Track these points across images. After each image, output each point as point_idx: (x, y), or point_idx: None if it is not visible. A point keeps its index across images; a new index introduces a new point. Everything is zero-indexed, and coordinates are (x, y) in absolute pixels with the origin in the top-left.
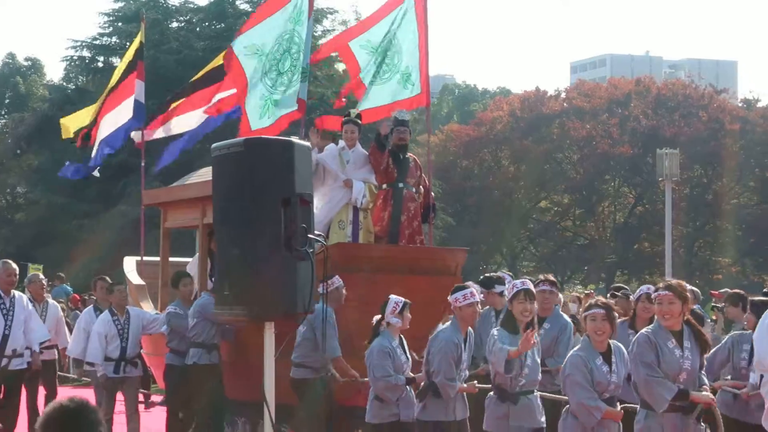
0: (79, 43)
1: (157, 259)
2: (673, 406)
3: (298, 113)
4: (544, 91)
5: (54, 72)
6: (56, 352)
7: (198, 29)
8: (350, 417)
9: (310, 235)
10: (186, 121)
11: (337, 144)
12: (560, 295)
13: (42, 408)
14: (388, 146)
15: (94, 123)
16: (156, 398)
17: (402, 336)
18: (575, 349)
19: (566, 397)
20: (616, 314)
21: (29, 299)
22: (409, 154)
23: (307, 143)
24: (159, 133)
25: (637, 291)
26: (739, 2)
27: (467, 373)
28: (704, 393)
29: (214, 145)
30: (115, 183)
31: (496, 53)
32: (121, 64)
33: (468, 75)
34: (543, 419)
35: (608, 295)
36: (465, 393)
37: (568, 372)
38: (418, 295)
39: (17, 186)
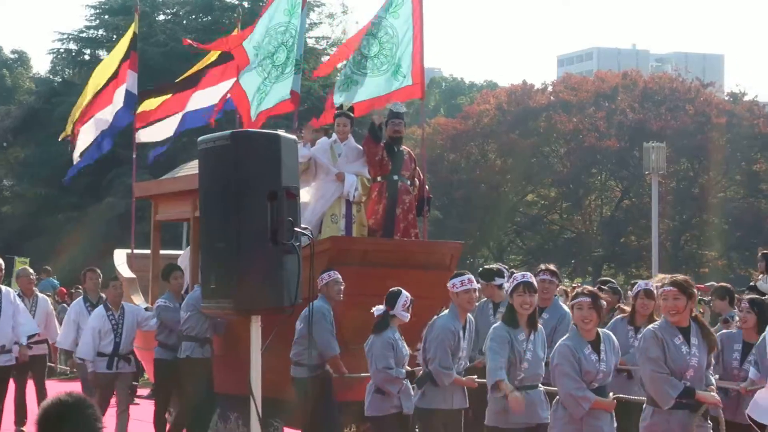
0: (65, 36)
1: (148, 251)
2: (679, 404)
3: (291, 105)
4: (530, 84)
5: (40, 65)
6: (47, 347)
7: (185, 22)
8: (344, 412)
9: (296, 229)
10: (176, 120)
11: (329, 137)
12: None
13: (29, 403)
14: (383, 137)
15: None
16: (143, 391)
17: (399, 329)
18: (563, 338)
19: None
20: (603, 302)
21: (19, 294)
22: (403, 147)
23: (293, 136)
24: (152, 135)
25: (636, 287)
26: None
27: (467, 362)
28: (710, 393)
29: (200, 138)
30: (103, 175)
31: (483, 46)
32: (111, 57)
33: (455, 68)
34: (546, 414)
35: (596, 288)
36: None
37: (556, 362)
38: (413, 289)
39: (3, 179)
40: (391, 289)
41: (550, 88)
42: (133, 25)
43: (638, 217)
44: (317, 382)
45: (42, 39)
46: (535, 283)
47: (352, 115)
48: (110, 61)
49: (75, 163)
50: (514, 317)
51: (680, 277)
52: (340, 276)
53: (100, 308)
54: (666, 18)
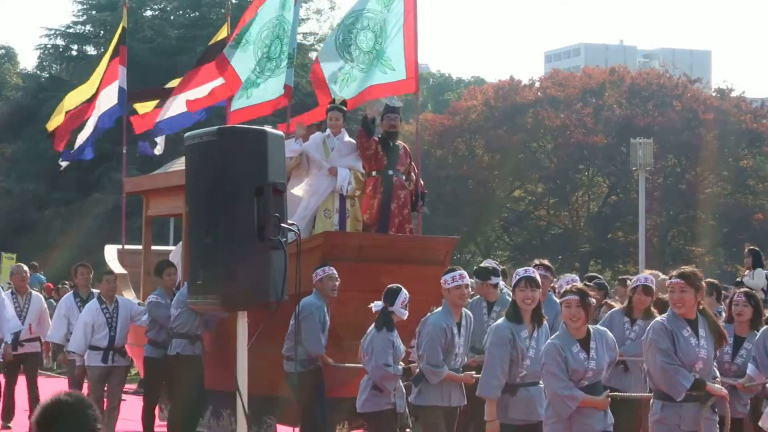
0: (53, 32)
1: (139, 247)
2: (690, 396)
3: (284, 99)
4: (518, 80)
5: (28, 60)
6: (39, 345)
7: (172, 18)
8: (336, 409)
9: (283, 225)
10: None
11: (323, 132)
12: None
13: (19, 401)
14: (374, 131)
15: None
16: (129, 386)
17: None
18: (552, 337)
19: None
20: (592, 300)
21: (12, 291)
22: (399, 142)
23: (280, 132)
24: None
25: (635, 281)
26: None
27: (465, 358)
28: (717, 386)
29: (187, 134)
30: (92, 171)
31: (470, 42)
32: (107, 54)
33: (442, 64)
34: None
35: (582, 284)
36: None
37: (543, 361)
38: (407, 284)
39: None
40: (390, 286)
41: (537, 84)
42: (122, 20)
43: (625, 212)
44: (308, 376)
45: (29, 35)
46: (539, 278)
47: (344, 109)
48: (106, 58)
49: (76, 148)
50: (518, 313)
51: (688, 269)
52: (335, 272)
53: (94, 302)
54: (653, 14)
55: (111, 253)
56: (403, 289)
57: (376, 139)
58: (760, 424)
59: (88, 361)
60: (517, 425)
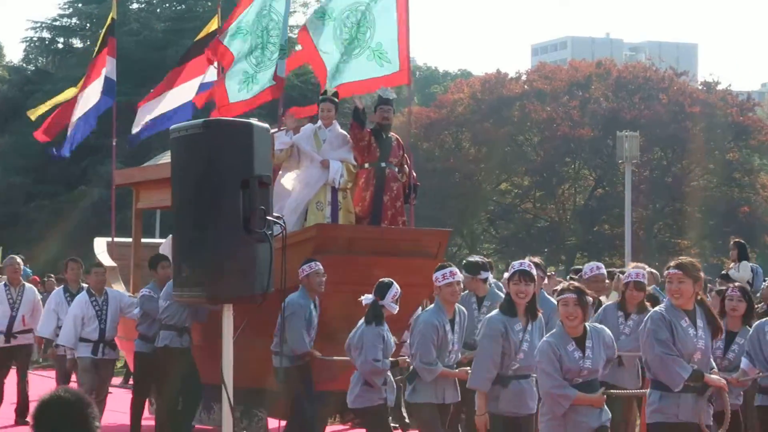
0: (39, 24)
1: (128, 240)
2: (687, 387)
3: (276, 90)
4: (504, 73)
5: (13, 53)
6: (33, 337)
7: (158, 10)
8: (327, 402)
9: (269, 217)
10: (164, 104)
11: (315, 123)
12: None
13: (6, 391)
14: (366, 121)
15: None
16: (115, 379)
17: None
18: (548, 334)
19: None
20: (589, 299)
21: (5, 283)
22: (392, 134)
23: (266, 125)
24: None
25: (626, 276)
26: None
27: (458, 355)
28: (715, 377)
29: (172, 126)
30: (77, 164)
31: (457, 35)
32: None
33: (429, 57)
34: (535, 404)
35: (568, 277)
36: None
37: (538, 359)
38: (400, 277)
39: None
40: (381, 279)
41: (524, 77)
42: (112, 11)
43: (612, 205)
44: (295, 372)
45: (15, 28)
46: (534, 272)
47: (336, 100)
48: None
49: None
50: (512, 306)
51: (686, 259)
52: (321, 267)
53: (83, 294)
54: (640, 7)
55: (100, 245)
56: (394, 283)
57: (369, 130)
58: None
59: (77, 353)
60: (507, 417)
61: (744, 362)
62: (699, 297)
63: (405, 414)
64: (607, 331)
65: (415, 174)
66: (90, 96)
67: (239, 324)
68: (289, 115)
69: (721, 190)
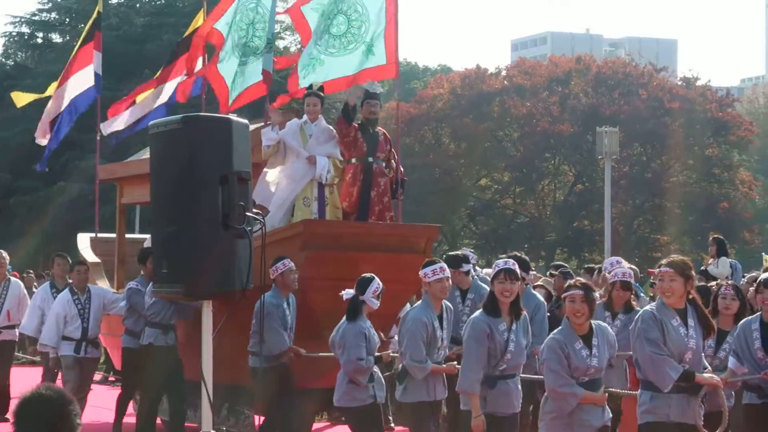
0: (18, 19)
1: (112, 235)
2: (679, 387)
3: (263, 85)
4: (484, 68)
5: None
6: (17, 332)
7: (138, 5)
8: (315, 400)
9: (248, 213)
10: (147, 102)
11: (300, 119)
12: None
13: None
14: (354, 118)
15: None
16: (96, 376)
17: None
18: (554, 331)
19: (540, 377)
20: (596, 295)
21: None
22: (378, 128)
23: (245, 121)
24: (120, 123)
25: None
26: None
27: (447, 351)
28: (707, 375)
29: (151, 122)
30: (57, 159)
31: (437, 31)
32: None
33: (409, 52)
34: (518, 403)
35: (548, 273)
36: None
37: (545, 356)
38: (388, 273)
39: None
40: (363, 275)
41: (503, 73)
42: (98, 4)
43: (591, 201)
44: (272, 372)
45: None
46: (518, 270)
47: (322, 94)
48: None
49: (46, 143)
50: (495, 306)
51: (677, 257)
52: (293, 264)
53: (66, 293)
54: (620, 3)
55: (84, 241)
56: (376, 278)
57: (356, 125)
58: None
59: (60, 351)
60: (494, 417)
61: (731, 362)
62: (690, 296)
63: (390, 414)
64: (610, 329)
65: (402, 169)
66: (71, 91)
67: (220, 320)
68: (273, 110)
69: (700, 186)
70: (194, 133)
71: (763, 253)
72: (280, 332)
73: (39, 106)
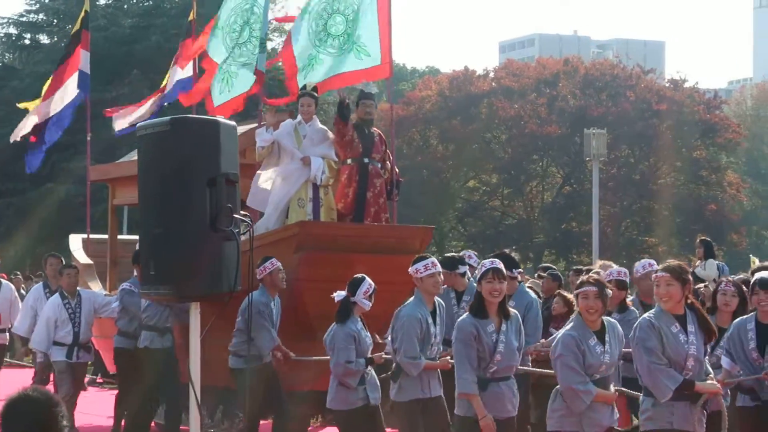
0: (5, 20)
1: (104, 236)
2: (681, 395)
3: (256, 86)
4: (472, 70)
5: None
6: (7, 336)
7: (126, 6)
8: (309, 402)
9: (235, 215)
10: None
11: (294, 119)
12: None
13: None
14: (349, 116)
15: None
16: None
17: (361, 317)
18: (567, 327)
19: (533, 371)
20: (609, 292)
21: None
22: (374, 129)
23: (233, 123)
24: (125, 123)
25: (607, 274)
26: None
27: (441, 347)
28: (709, 382)
29: (139, 124)
30: (45, 160)
31: (425, 32)
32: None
33: (397, 54)
34: (515, 406)
35: (536, 275)
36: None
37: (560, 352)
38: (383, 275)
39: None
40: (355, 276)
41: (491, 75)
42: (85, 4)
43: (579, 203)
44: (257, 373)
45: None
46: (503, 269)
47: (316, 95)
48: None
49: (33, 148)
50: (482, 307)
51: (674, 262)
52: (280, 263)
53: (56, 297)
54: (607, 4)
55: (76, 242)
56: (366, 278)
57: (352, 125)
58: None
59: (52, 356)
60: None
61: (726, 361)
62: (689, 300)
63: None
64: (619, 326)
65: (397, 170)
66: (64, 98)
67: (210, 322)
68: (269, 111)
69: (688, 188)
70: (182, 135)
71: (751, 255)
72: (271, 331)
73: (25, 109)
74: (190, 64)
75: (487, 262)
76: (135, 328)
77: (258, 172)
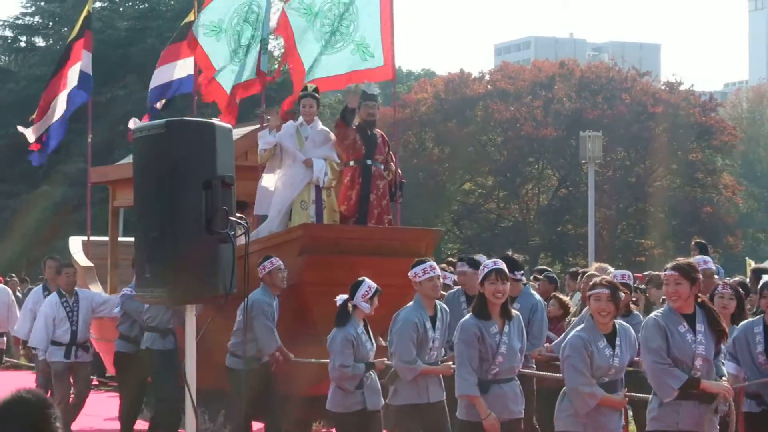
0: (1, 23)
1: (105, 238)
2: (689, 394)
3: (258, 86)
4: (468, 73)
5: None
6: (5, 340)
7: (121, 9)
8: (312, 407)
9: (231, 218)
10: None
11: (296, 121)
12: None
13: None
14: (353, 121)
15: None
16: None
17: (365, 320)
18: (578, 329)
19: (533, 374)
20: (622, 294)
21: None
22: (376, 130)
23: (228, 125)
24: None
25: (611, 277)
26: None
27: (442, 351)
28: (719, 383)
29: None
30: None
31: (420, 35)
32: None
33: None
34: (519, 408)
35: (532, 277)
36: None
37: (568, 353)
38: (387, 278)
39: None
40: (358, 279)
41: (487, 77)
42: (87, 4)
43: (575, 205)
44: (254, 374)
45: None
46: (506, 269)
47: (318, 96)
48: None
49: (38, 145)
50: (485, 308)
51: (683, 260)
52: (281, 262)
53: (54, 295)
54: (603, 7)
55: (76, 244)
56: (366, 281)
57: (354, 128)
58: None
59: (50, 357)
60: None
61: (731, 366)
62: (700, 299)
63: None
64: (632, 329)
65: (400, 171)
66: (66, 99)
67: (209, 325)
68: (273, 113)
69: (684, 191)
70: (178, 138)
71: (747, 258)
72: (273, 331)
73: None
74: (189, 61)
75: (489, 263)
76: (136, 333)
77: (262, 175)
